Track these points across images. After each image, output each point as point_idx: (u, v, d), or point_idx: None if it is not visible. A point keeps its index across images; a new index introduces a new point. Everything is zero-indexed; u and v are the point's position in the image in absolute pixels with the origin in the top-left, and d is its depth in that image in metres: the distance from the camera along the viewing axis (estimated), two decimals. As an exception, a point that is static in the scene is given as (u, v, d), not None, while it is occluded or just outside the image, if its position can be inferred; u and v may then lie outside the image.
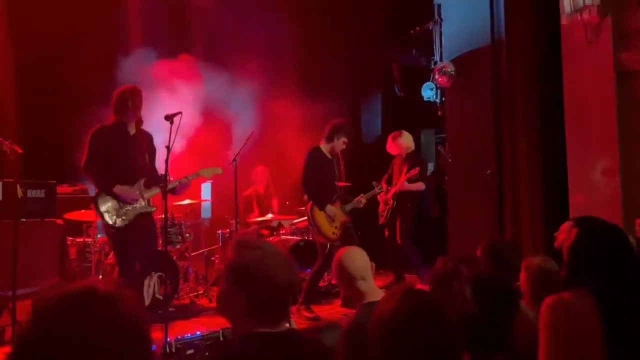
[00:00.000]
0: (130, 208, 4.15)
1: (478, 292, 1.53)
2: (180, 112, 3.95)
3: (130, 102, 4.16)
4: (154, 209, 4.30)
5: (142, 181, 4.25)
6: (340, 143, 5.13)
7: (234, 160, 5.21)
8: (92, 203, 4.13)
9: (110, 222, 4.05)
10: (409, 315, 1.31)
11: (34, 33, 5.75)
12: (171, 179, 4.17)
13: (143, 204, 4.23)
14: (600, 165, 4.85)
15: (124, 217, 4.09)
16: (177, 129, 3.85)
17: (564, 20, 5.06)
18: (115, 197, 4.11)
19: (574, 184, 4.96)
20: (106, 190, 4.11)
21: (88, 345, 0.86)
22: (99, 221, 5.05)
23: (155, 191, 4.26)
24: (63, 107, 5.89)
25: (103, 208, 4.07)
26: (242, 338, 1.50)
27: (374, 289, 2.53)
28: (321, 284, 5.59)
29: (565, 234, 3.08)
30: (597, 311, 1.69)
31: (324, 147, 5.16)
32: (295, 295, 1.65)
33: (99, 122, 4.63)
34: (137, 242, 4.14)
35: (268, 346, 1.47)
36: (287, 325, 1.61)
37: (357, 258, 2.56)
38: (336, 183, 5.27)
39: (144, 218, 4.25)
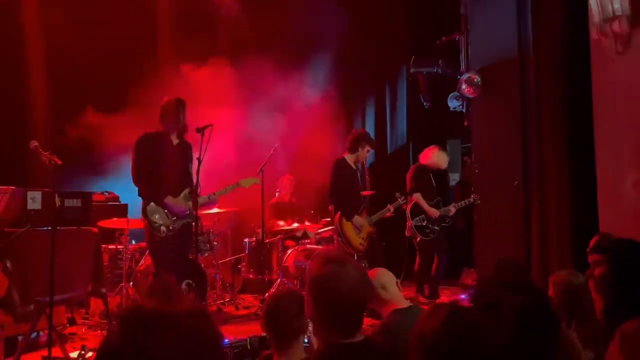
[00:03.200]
0: (176, 218, 4.26)
1: (520, 321, 1.47)
2: (211, 125, 4.05)
3: (172, 114, 4.27)
4: (199, 219, 4.42)
5: (186, 191, 4.36)
6: (365, 152, 5.26)
7: (261, 170, 5.30)
8: (142, 212, 4.22)
9: (158, 232, 4.15)
10: (451, 336, 1.28)
11: (65, 42, 5.91)
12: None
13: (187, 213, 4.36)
14: (631, 177, 4.78)
15: (170, 227, 4.21)
16: (208, 140, 3.95)
17: (593, 31, 5.02)
18: (164, 208, 4.23)
19: (603, 196, 4.90)
20: (157, 201, 4.21)
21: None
22: (133, 228, 5.21)
23: (202, 201, 4.40)
24: (94, 115, 6.06)
25: (152, 218, 4.18)
26: (321, 348, 1.70)
27: (399, 297, 2.67)
28: None
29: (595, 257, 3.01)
30: None
31: (349, 157, 5.25)
32: (363, 311, 1.75)
33: (129, 130, 4.75)
34: (177, 250, 4.26)
35: (341, 356, 1.62)
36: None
37: (380, 273, 2.73)
38: (362, 193, 5.33)
39: (186, 227, 4.37)
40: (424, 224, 5.89)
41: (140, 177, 4.21)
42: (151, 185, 4.21)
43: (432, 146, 6.23)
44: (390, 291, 2.64)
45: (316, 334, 1.78)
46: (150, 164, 4.20)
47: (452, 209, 5.98)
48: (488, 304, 1.47)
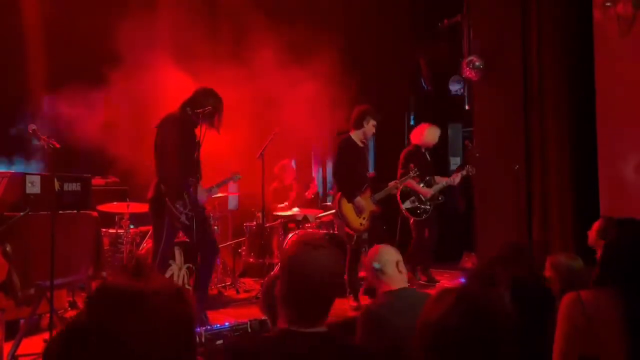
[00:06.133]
0: (192, 207, 4.14)
1: (516, 295, 1.46)
2: (209, 107, 4.01)
3: (211, 112, 4.10)
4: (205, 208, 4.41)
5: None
6: (370, 127, 5.01)
7: (260, 154, 5.28)
8: (167, 197, 4.08)
9: (181, 218, 4.06)
10: (459, 322, 1.23)
11: (65, 25, 5.85)
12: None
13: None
14: (633, 160, 4.76)
15: (189, 215, 4.13)
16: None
17: (596, 13, 4.96)
18: (187, 193, 4.13)
19: (604, 180, 4.88)
20: (183, 186, 4.10)
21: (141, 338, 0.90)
22: (133, 212, 5.20)
23: (214, 191, 4.41)
24: (95, 101, 6.02)
25: (176, 204, 4.08)
26: (277, 332, 1.62)
27: (396, 278, 2.61)
28: (361, 273, 5.44)
29: (596, 233, 3.03)
30: (620, 310, 1.69)
31: (355, 135, 5.05)
32: (331, 300, 1.68)
33: (130, 116, 4.68)
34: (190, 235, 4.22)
35: (299, 345, 1.55)
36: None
37: (388, 250, 2.67)
38: (367, 172, 5.24)
39: (200, 214, 4.31)
40: (416, 205, 5.80)
41: (170, 159, 4.05)
42: (182, 169, 4.07)
43: (422, 124, 6.07)
44: (386, 272, 2.59)
45: (279, 316, 1.67)
46: (180, 148, 4.06)
47: (442, 181, 5.80)
48: (483, 278, 1.45)
